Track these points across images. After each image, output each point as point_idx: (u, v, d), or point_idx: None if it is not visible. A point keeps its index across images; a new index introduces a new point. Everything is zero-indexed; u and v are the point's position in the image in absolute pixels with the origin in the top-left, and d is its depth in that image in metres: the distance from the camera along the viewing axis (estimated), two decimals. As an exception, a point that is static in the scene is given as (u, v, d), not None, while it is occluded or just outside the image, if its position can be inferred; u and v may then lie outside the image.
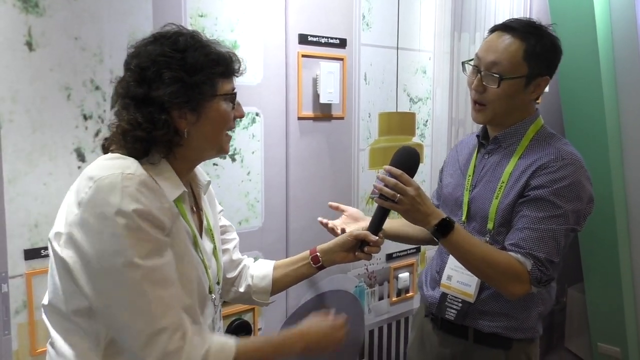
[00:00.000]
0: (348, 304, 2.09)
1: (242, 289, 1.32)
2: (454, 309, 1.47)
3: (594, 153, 3.06)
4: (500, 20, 2.56)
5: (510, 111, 1.42)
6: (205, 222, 1.16)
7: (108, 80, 1.39)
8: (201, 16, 1.56)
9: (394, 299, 2.27)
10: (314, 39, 1.84)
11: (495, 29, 1.43)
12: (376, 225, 1.30)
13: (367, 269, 2.15)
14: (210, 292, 1.12)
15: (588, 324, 3.43)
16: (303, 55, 1.81)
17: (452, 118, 2.42)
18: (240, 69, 1.09)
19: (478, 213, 1.44)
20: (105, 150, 1.06)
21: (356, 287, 2.12)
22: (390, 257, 2.23)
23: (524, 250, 1.30)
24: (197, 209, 1.15)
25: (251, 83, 1.68)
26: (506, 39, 1.38)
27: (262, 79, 1.72)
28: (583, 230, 1.44)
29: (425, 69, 2.26)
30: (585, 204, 1.36)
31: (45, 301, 1.03)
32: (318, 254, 1.33)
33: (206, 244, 1.14)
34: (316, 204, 1.90)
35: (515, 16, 2.67)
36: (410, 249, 2.30)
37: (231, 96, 1.07)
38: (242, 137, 1.69)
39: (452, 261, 1.48)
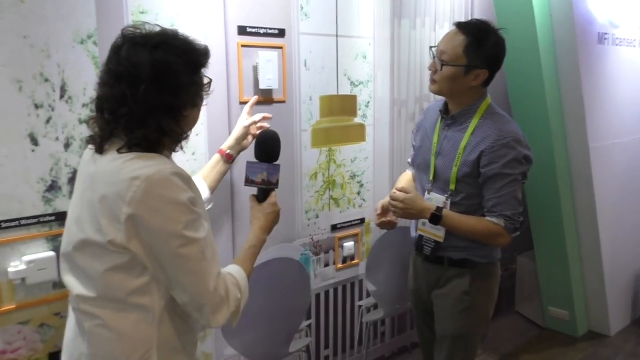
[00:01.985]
0: (293, 270, 2.30)
1: None
2: (428, 246, 1.94)
3: (536, 128, 3.28)
4: (440, 6, 2.74)
5: (455, 91, 1.83)
6: None
7: (56, 73, 1.57)
8: (142, 12, 1.73)
9: (339, 265, 2.49)
10: (253, 30, 2.02)
11: (454, 25, 1.82)
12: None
13: (312, 238, 2.36)
14: None
15: (539, 290, 3.68)
16: (242, 45, 1.99)
17: (394, 99, 2.61)
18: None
19: (442, 177, 1.88)
20: (99, 148, 1.17)
21: (302, 254, 2.33)
22: (334, 228, 2.44)
23: (496, 213, 1.78)
24: None
25: (193, 72, 1.86)
26: (456, 34, 1.78)
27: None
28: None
29: (366, 54, 2.45)
30: (527, 164, 1.81)
31: (84, 294, 1.17)
32: (227, 151, 1.81)
33: None
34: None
35: (457, 3, 2.85)
36: (354, 220, 2.52)
37: (210, 83, 1.27)
38: (186, 121, 1.88)
39: None
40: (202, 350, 2.06)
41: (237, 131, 1.85)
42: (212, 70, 1.90)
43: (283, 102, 2.16)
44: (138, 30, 1.18)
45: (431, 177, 1.91)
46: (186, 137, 1.24)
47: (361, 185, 2.53)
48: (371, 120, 2.52)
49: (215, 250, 1.22)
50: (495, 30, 1.81)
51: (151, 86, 1.13)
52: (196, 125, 1.88)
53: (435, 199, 1.89)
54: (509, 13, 3.09)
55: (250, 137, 1.87)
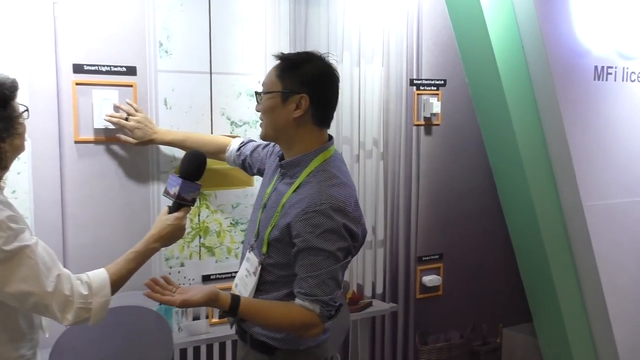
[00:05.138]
0: (148, 320, 2.14)
1: None
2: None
3: (515, 182, 2.81)
4: (368, 40, 2.46)
5: (280, 128, 1.53)
6: None
7: None
8: (-50, 52, 1.77)
9: (214, 320, 2.28)
10: (92, 68, 1.96)
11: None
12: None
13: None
14: None
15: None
16: (78, 84, 1.94)
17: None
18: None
19: (261, 235, 1.58)
20: None
21: (160, 304, 2.16)
22: (207, 278, 2.25)
23: (312, 298, 1.44)
24: None
25: (15, 110, 1.85)
26: (275, 65, 1.55)
27: (28, 105, 1.87)
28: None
29: (253, 92, 2.25)
30: (350, 239, 1.47)
31: None
32: None
33: None
34: (103, 222, 2.02)
35: (393, 35, 2.55)
36: (234, 272, 2.30)
37: (27, 111, 1.36)
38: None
39: (240, 273, 1.65)
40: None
41: None
42: (40, 110, 1.90)
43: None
44: None
45: (255, 234, 1.62)
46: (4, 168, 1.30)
47: (247, 234, 2.31)
48: (262, 164, 2.31)
49: (53, 256, 1.30)
50: (321, 58, 1.54)
51: None
52: (15, 164, 1.86)
53: (252, 261, 1.61)
54: (473, 56, 2.71)
55: None
